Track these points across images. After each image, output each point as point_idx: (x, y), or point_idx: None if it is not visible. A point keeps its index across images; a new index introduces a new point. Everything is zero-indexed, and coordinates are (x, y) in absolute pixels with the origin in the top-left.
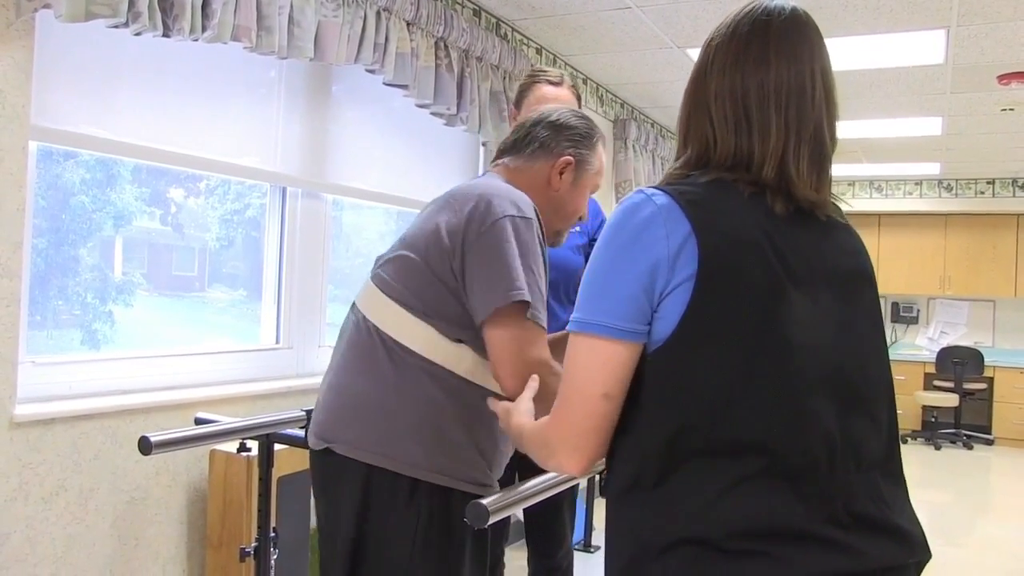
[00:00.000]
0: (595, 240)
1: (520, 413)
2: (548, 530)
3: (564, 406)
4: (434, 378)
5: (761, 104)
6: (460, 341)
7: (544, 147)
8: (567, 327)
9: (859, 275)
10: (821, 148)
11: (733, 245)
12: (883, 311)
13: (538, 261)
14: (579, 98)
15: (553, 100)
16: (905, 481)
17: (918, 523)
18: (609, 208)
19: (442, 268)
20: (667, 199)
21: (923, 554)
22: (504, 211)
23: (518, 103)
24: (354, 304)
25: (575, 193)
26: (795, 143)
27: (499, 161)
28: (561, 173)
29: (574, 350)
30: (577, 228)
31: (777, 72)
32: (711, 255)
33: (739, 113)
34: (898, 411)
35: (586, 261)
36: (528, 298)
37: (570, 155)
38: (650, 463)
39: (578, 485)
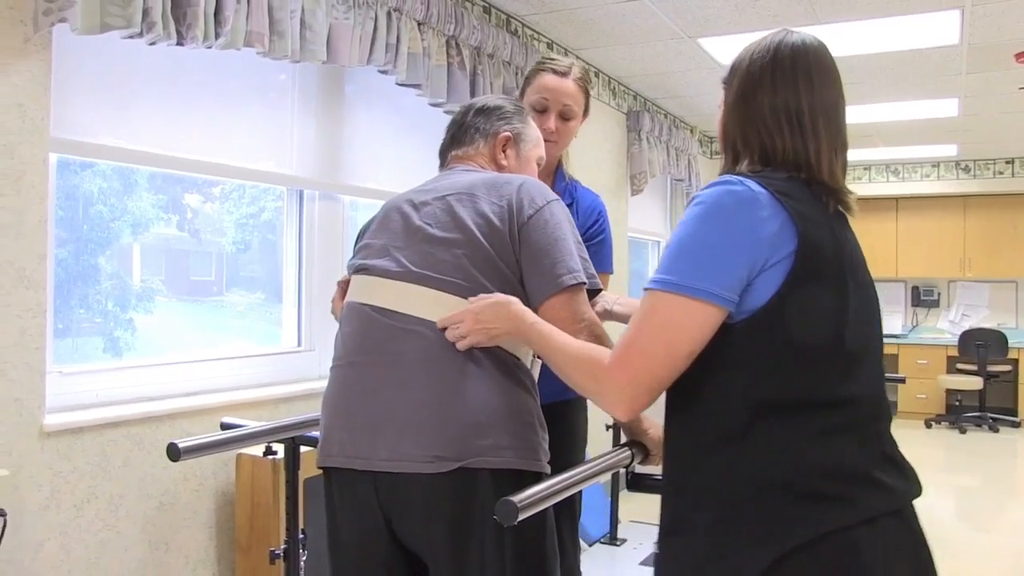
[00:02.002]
0: (584, 240)
1: (554, 327)
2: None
3: (642, 359)
4: (511, 367)
5: (813, 117)
6: None
7: (481, 132)
8: (650, 285)
9: (865, 264)
10: (846, 158)
11: (817, 232)
12: (904, 295)
13: (579, 236)
14: (587, 93)
15: (555, 90)
16: None
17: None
18: (622, 200)
19: (503, 250)
20: (761, 187)
21: (921, 489)
22: (546, 196)
23: (522, 91)
24: (383, 309)
25: (523, 167)
26: (835, 151)
27: (451, 155)
28: (504, 150)
29: (668, 309)
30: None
31: (821, 92)
32: (806, 239)
33: (794, 123)
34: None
35: None
36: (584, 279)
37: (507, 131)
38: (739, 418)
39: (580, 496)
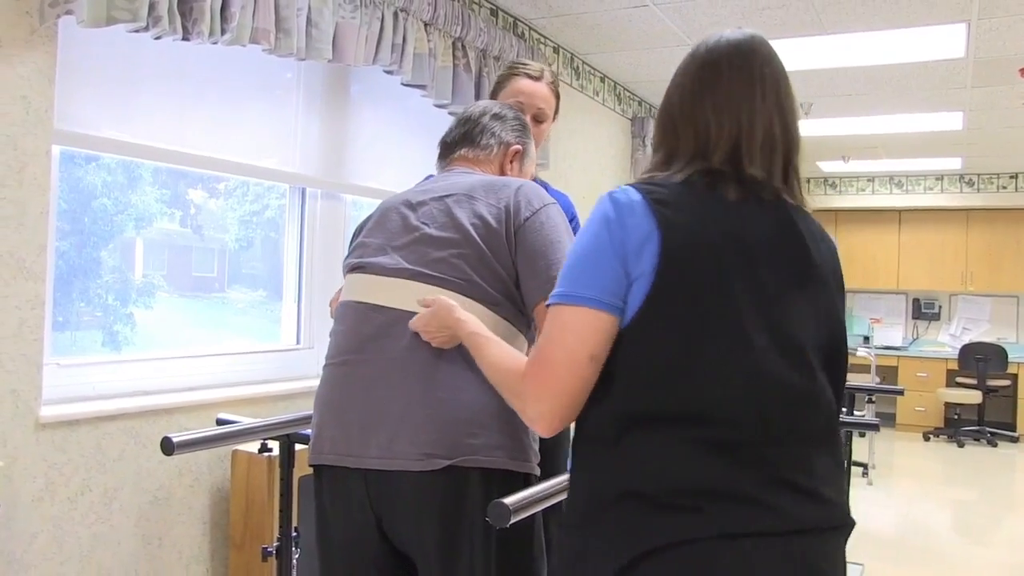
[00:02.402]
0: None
1: (491, 338)
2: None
3: (548, 367)
4: None
5: (697, 98)
6: (507, 320)
7: (497, 138)
8: (549, 300)
9: (807, 270)
10: (786, 149)
11: (691, 241)
12: (905, 308)
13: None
14: (558, 96)
15: (529, 94)
16: (841, 457)
17: (844, 495)
18: None
19: (500, 252)
20: (639, 195)
21: (843, 518)
22: (544, 200)
23: (494, 94)
24: (378, 306)
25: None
26: (766, 142)
27: (458, 153)
28: (512, 161)
29: (561, 318)
30: None
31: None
32: (669, 250)
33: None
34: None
35: None
36: None
37: (519, 145)
38: (610, 425)
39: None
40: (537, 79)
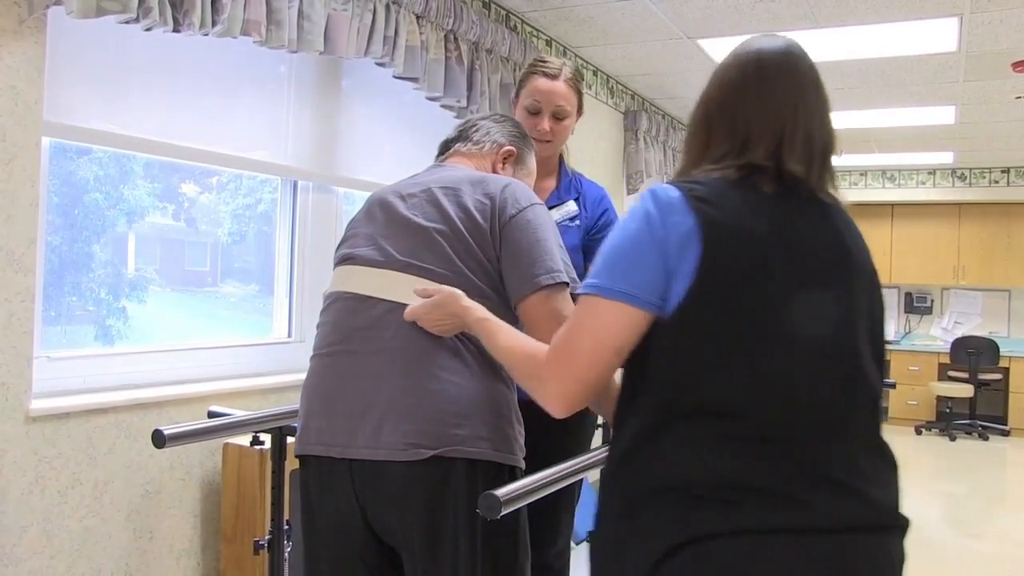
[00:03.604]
0: (593, 232)
1: (501, 323)
2: (540, 525)
3: (574, 353)
4: (491, 359)
5: (738, 100)
6: (495, 312)
7: (490, 136)
8: (579, 290)
9: (847, 268)
10: (822, 149)
11: (733, 238)
12: (897, 302)
13: (560, 241)
14: (580, 92)
15: (546, 93)
16: (892, 457)
17: (895, 494)
18: (618, 198)
19: (484, 245)
20: (679, 192)
21: (892, 519)
22: (530, 199)
23: (516, 94)
24: (367, 297)
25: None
26: (807, 140)
27: (453, 149)
28: (504, 161)
29: (593, 310)
30: (576, 222)
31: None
32: (711, 246)
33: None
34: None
35: (584, 255)
36: (564, 280)
37: (512, 146)
38: (651, 419)
39: (582, 484)
40: (555, 77)
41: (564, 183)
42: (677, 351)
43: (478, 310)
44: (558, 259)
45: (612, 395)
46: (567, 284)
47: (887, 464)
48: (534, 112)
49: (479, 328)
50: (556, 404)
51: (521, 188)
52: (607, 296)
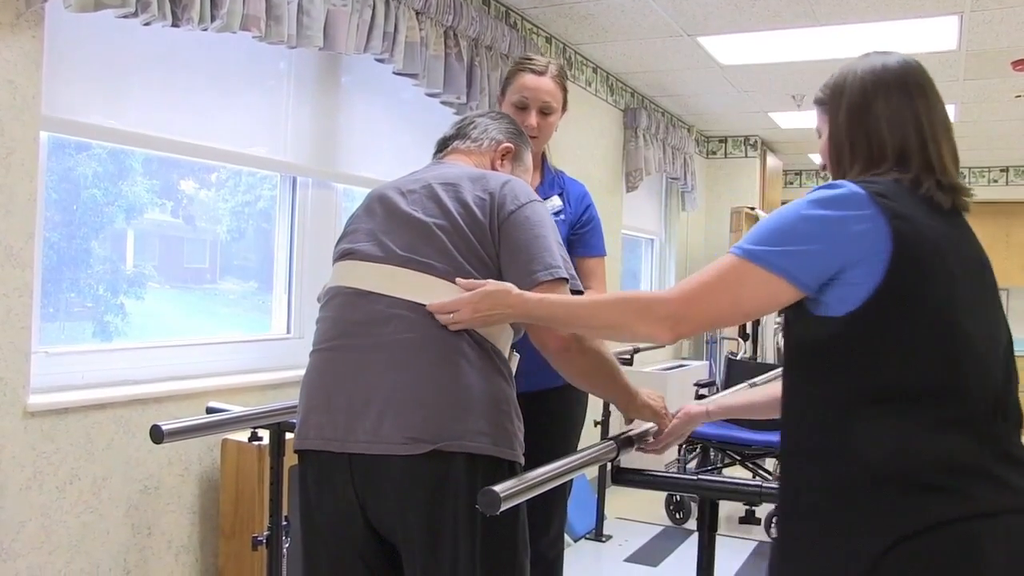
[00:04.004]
0: (576, 227)
1: (558, 295)
2: (532, 514)
3: (708, 303)
4: (491, 354)
5: (931, 122)
6: None
7: (490, 133)
8: (737, 251)
9: (984, 262)
10: (958, 158)
11: (917, 230)
12: None
13: (559, 238)
14: (565, 88)
15: (533, 89)
16: None
17: None
18: (617, 196)
19: (484, 241)
20: (861, 189)
21: None
22: (530, 196)
23: (503, 91)
24: (367, 292)
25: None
26: (952, 153)
27: (451, 146)
28: (503, 158)
29: (746, 274)
30: (562, 216)
31: (933, 100)
32: (901, 237)
33: (909, 129)
34: None
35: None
36: (564, 276)
37: (510, 143)
38: (850, 411)
39: (572, 481)
40: (541, 73)
41: (548, 179)
42: (871, 338)
43: (532, 295)
44: (557, 255)
45: (606, 371)
46: (566, 280)
47: None
48: (521, 108)
49: (541, 308)
50: (664, 328)
51: (520, 185)
52: (764, 266)
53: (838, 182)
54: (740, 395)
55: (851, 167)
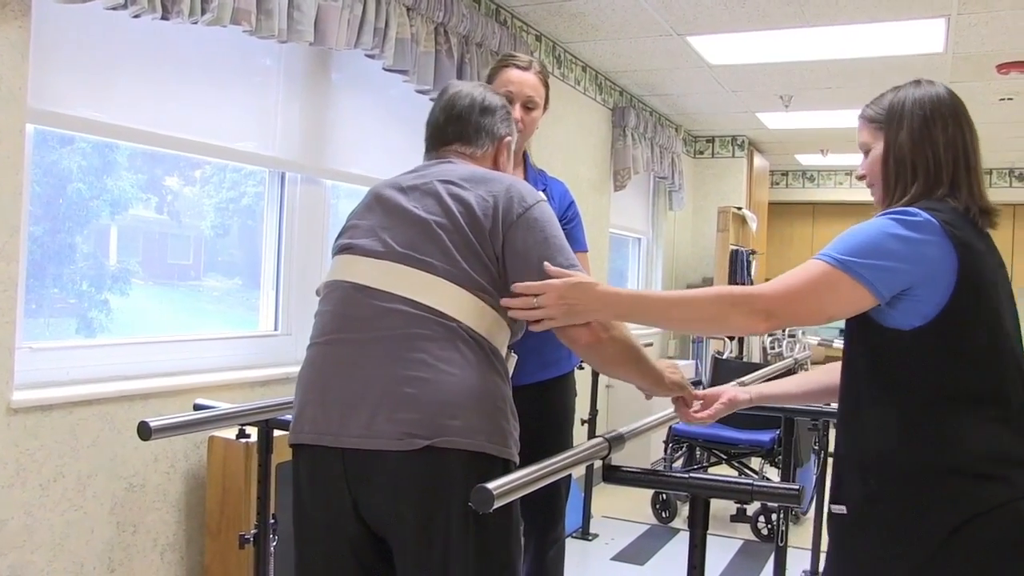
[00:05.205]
0: (562, 223)
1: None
2: (547, 504)
3: (796, 301)
4: (488, 353)
5: (976, 153)
6: (493, 309)
7: (488, 134)
8: (827, 258)
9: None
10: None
11: (975, 256)
12: None
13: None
14: (547, 85)
15: (518, 83)
16: None
17: None
18: (605, 195)
19: (484, 243)
20: (933, 218)
21: None
22: (536, 196)
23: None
24: (365, 287)
25: (510, 168)
26: (983, 182)
27: (452, 147)
28: (504, 152)
29: (835, 281)
30: None
31: (973, 132)
32: (966, 263)
33: (960, 159)
34: None
35: None
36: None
37: (507, 135)
38: (920, 412)
39: (571, 477)
40: (525, 69)
41: (531, 177)
42: (937, 353)
43: (619, 290)
44: (570, 255)
45: (635, 356)
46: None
47: None
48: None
49: (629, 306)
50: (758, 319)
51: (525, 186)
52: (854, 276)
53: (912, 209)
54: (778, 385)
55: (911, 186)
